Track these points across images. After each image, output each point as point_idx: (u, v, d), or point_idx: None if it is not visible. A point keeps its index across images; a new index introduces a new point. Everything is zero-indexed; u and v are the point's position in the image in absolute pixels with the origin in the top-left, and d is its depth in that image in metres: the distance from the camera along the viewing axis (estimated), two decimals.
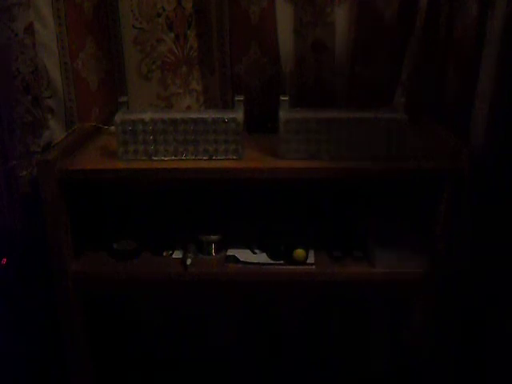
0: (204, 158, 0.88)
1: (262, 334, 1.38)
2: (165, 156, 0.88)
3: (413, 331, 1.35)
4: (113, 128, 0.90)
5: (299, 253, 0.93)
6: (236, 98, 0.89)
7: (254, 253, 0.98)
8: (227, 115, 0.86)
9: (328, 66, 1.08)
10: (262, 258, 0.96)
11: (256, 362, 1.40)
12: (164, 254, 0.98)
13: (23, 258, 1.00)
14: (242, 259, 0.96)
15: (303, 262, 0.94)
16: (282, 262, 0.95)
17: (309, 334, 1.40)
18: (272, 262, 0.95)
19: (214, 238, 0.98)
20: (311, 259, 0.94)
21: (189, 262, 0.93)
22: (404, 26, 1.08)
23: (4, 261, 0.97)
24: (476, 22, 1.03)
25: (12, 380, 1.05)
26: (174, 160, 0.88)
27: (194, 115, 0.87)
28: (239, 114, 0.86)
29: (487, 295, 1.12)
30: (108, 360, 1.19)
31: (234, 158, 0.88)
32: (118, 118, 0.86)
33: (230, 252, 0.98)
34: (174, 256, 0.97)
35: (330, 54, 1.07)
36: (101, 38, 1.07)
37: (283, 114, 0.86)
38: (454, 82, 1.08)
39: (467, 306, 0.95)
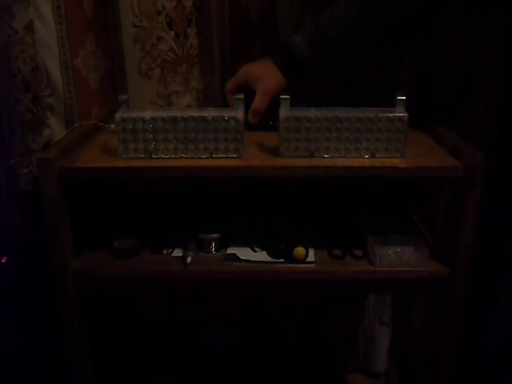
0: (204, 156, 0.88)
1: (262, 333, 1.38)
2: (165, 154, 0.88)
3: (414, 330, 1.36)
4: (113, 126, 0.90)
5: (299, 251, 0.93)
6: (236, 97, 0.89)
7: (255, 251, 0.98)
8: (227, 113, 0.86)
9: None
10: (262, 256, 0.96)
11: (256, 361, 1.40)
12: (164, 252, 0.98)
13: (23, 257, 1.00)
14: (242, 257, 0.96)
15: (303, 261, 0.94)
16: (282, 260, 0.95)
17: (309, 333, 1.40)
18: (272, 260, 0.95)
19: (214, 236, 0.98)
20: (311, 258, 0.94)
21: (189, 260, 0.93)
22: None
23: (4, 259, 0.97)
24: (475, 21, 1.04)
25: (12, 380, 1.05)
26: (174, 158, 0.88)
27: (194, 113, 0.87)
28: (239, 113, 0.86)
29: (488, 295, 1.12)
30: (108, 360, 1.19)
31: (235, 156, 0.88)
32: (118, 116, 0.86)
33: (230, 250, 0.98)
34: (174, 254, 0.97)
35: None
36: (101, 36, 1.07)
37: (283, 113, 0.86)
38: (454, 81, 1.08)
39: (468, 306, 0.95)
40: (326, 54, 0.93)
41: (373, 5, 0.88)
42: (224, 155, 0.88)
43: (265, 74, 0.94)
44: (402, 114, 0.86)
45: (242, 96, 0.88)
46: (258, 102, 0.94)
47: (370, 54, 0.99)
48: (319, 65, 0.94)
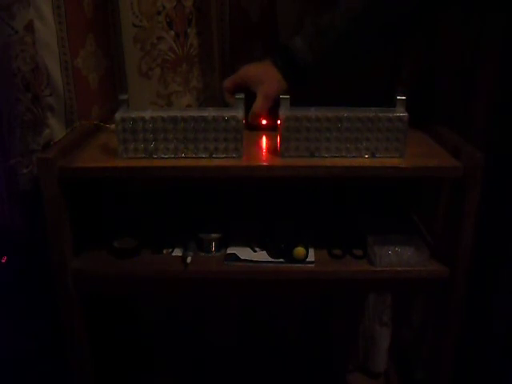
0: (204, 156, 0.88)
1: (262, 333, 1.38)
2: (165, 154, 0.88)
3: (414, 330, 1.36)
4: (113, 126, 0.90)
5: (299, 251, 0.93)
6: (236, 96, 0.89)
7: (255, 251, 0.98)
8: (227, 113, 0.86)
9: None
10: (262, 256, 0.96)
11: (256, 361, 1.40)
12: (164, 252, 0.98)
13: (23, 257, 1.00)
14: (242, 257, 0.96)
15: (303, 261, 0.94)
16: (282, 260, 0.95)
17: (309, 333, 1.40)
18: (272, 260, 0.95)
19: (214, 236, 0.98)
20: (311, 257, 0.94)
21: (189, 259, 0.93)
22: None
23: (4, 259, 0.97)
24: (475, 21, 1.04)
25: (12, 380, 1.05)
26: (174, 158, 0.88)
27: (194, 113, 0.86)
28: (239, 112, 0.86)
29: (488, 295, 1.12)
30: (108, 360, 1.19)
31: (234, 156, 0.88)
32: (118, 115, 0.86)
33: (230, 250, 0.98)
34: (174, 254, 0.97)
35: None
36: (101, 36, 1.07)
37: (283, 113, 0.86)
38: (454, 81, 1.08)
39: (468, 306, 0.95)
40: (326, 57, 0.93)
41: (373, 6, 0.88)
42: (224, 155, 0.88)
43: (265, 77, 0.95)
44: (402, 114, 0.86)
45: (242, 96, 0.88)
46: (260, 105, 0.94)
47: (370, 56, 0.99)
48: (319, 67, 0.94)
